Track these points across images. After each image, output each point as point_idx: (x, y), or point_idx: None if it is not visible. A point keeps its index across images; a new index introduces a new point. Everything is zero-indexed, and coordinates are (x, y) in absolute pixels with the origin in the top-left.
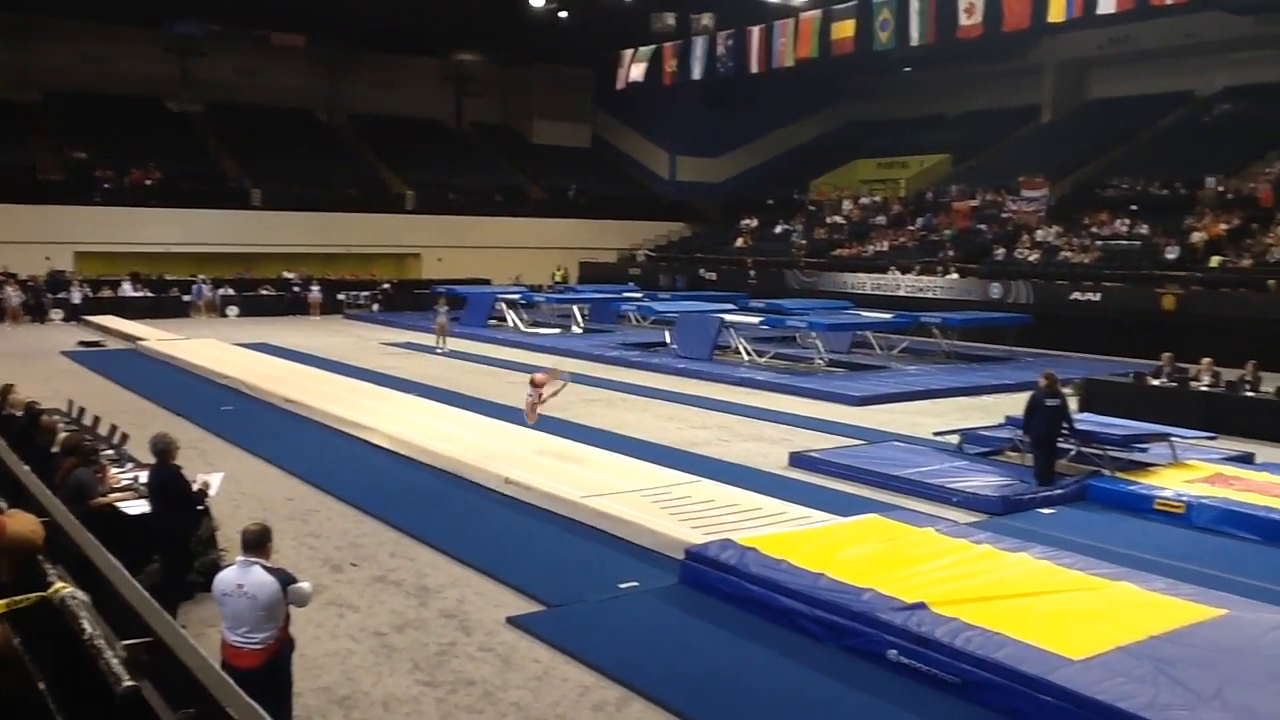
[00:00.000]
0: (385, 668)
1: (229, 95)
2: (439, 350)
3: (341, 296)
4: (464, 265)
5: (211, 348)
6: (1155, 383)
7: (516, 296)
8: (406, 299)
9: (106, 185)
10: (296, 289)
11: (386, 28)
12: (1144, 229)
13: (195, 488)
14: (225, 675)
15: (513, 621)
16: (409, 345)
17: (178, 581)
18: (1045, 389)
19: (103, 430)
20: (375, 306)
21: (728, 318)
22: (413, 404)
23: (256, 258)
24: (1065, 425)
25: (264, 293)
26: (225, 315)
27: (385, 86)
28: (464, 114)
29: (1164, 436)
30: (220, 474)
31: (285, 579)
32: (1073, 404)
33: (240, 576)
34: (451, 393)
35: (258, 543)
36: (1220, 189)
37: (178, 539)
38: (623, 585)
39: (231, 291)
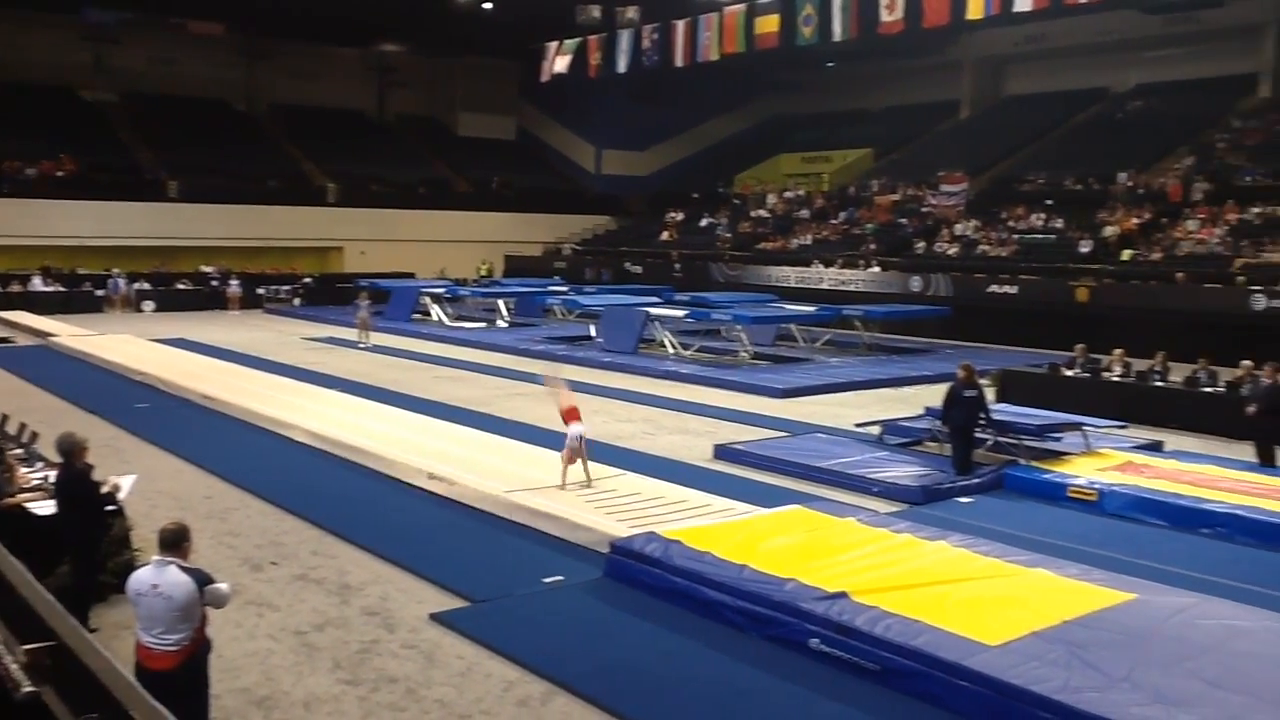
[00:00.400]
0: (306, 667)
1: (145, 84)
2: (361, 345)
3: (262, 291)
4: (388, 259)
5: (126, 344)
6: (1069, 373)
7: (441, 290)
8: (329, 293)
9: (16, 177)
10: (215, 283)
11: (307, 16)
12: (1059, 223)
13: (105, 489)
14: (133, 679)
15: (436, 618)
16: (331, 340)
17: (88, 583)
18: (963, 380)
19: (11, 429)
20: (296, 301)
21: (653, 311)
22: (335, 399)
23: (173, 251)
24: (983, 416)
25: (181, 287)
26: (141, 310)
27: (306, 77)
28: (387, 105)
29: (1077, 426)
30: (132, 476)
31: (202, 579)
32: (990, 395)
33: (155, 576)
34: (374, 388)
35: (174, 542)
36: (1131, 184)
37: (86, 541)
38: (547, 580)
39: (148, 286)
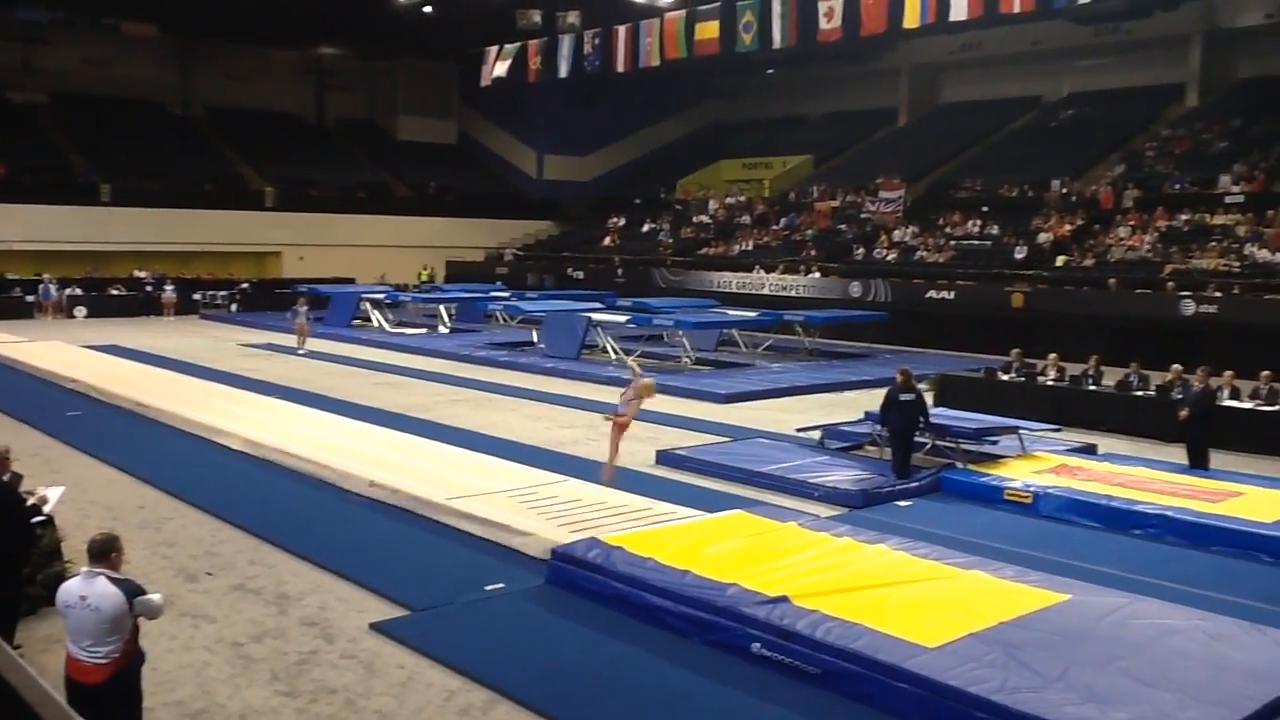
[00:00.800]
0: (243, 679)
1: (76, 85)
2: (299, 351)
3: (197, 296)
4: (327, 264)
5: (57, 350)
6: (1005, 378)
7: (381, 296)
8: (266, 299)
9: None
10: (149, 288)
11: (243, 18)
12: (994, 229)
13: (32, 501)
14: (61, 693)
15: (376, 627)
16: (269, 346)
17: (14, 597)
18: (901, 384)
19: None
20: (233, 307)
21: (595, 317)
22: (272, 406)
23: (106, 256)
24: (922, 419)
25: (114, 292)
26: (73, 316)
27: (242, 79)
28: (326, 109)
29: (1013, 429)
30: (61, 487)
31: (131, 590)
32: (929, 399)
33: (83, 588)
34: (313, 394)
35: (101, 552)
36: (1065, 191)
37: (11, 554)
38: (489, 587)
39: (79, 291)
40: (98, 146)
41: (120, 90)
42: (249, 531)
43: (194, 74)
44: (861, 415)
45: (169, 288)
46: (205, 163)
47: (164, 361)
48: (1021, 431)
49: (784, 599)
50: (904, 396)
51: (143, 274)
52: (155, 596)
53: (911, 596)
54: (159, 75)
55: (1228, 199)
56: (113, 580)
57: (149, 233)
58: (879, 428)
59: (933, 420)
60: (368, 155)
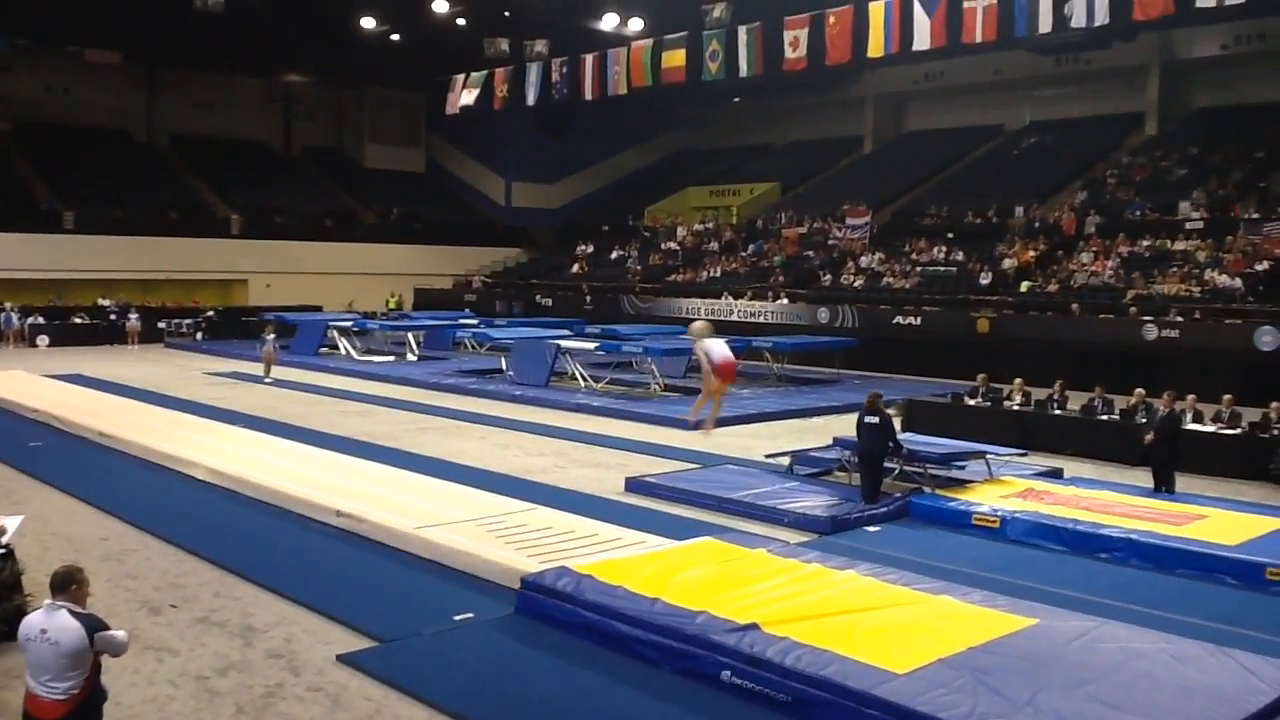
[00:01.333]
0: (207, 713)
1: (39, 112)
2: (266, 379)
3: (163, 325)
4: (294, 292)
5: (19, 380)
6: (971, 402)
7: (349, 324)
8: (233, 327)
9: None
10: (113, 317)
11: (208, 46)
12: (959, 255)
13: None
14: None
15: (343, 659)
16: (235, 375)
17: None
18: (867, 408)
19: None
20: (199, 335)
21: (564, 344)
22: (238, 436)
23: (69, 284)
24: (891, 443)
25: (78, 321)
26: (35, 345)
27: (208, 107)
28: (293, 136)
29: (980, 454)
30: (19, 517)
31: (93, 625)
32: (896, 424)
33: (44, 621)
34: (280, 423)
35: (62, 585)
36: (1028, 218)
37: None
38: (458, 617)
39: (42, 320)
40: (60, 174)
41: (83, 118)
42: (214, 563)
43: (158, 101)
44: (830, 441)
45: (133, 316)
46: (170, 190)
47: (128, 391)
48: (988, 456)
49: (754, 626)
50: (869, 419)
51: (106, 302)
52: (119, 633)
53: (881, 622)
54: (123, 102)
55: (1188, 225)
56: (74, 614)
57: (112, 260)
58: (847, 453)
59: (901, 444)
60: (335, 183)
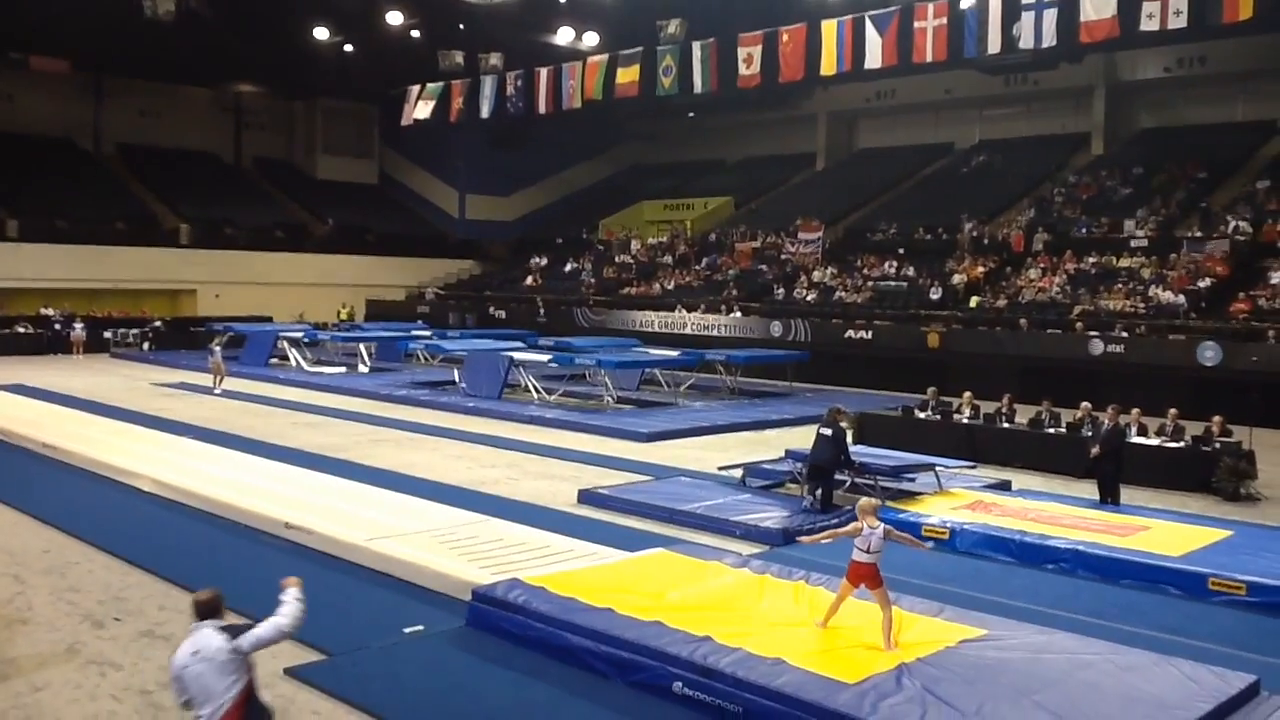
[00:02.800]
0: None
1: None
2: (215, 391)
3: (108, 334)
4: (244, 302)
5: None
6: (921, 416)
7: (300, 334)
8: (181, 337)
9: None
10: (58, 326)
11: (156, 55)
12: (910, 271)
13: None
14: None
15: (290, 672)
16: (183, 385)
17: None
18: (825, 420)
19: None
20: (146, 345)
21: (517, 356)
22: (185, 447)
23: (11, 293)
24: (842, 456)
25: (20, 330)
26: None
27: (156, 116)
28: (243, 147)
29: (930, 466)
30: None
31: (234, 630)
32: (849, 436)
33: (191, 645)
34: (228, 435)
35: (210, 611)
36: (976, 234)
37: None
38: (408, 630)
39: None
40: (5, 182)
41: (29, 126)
42: (159, 576)
43: (106, 110)
44: (783, 453)
45: (78, 326)
46: (117, 200)
47: (72, 401)
48: (938, 468)
49: (706, 638)
50: (823, 431)
51: (50, 311)
52: (263, 627)
53: (831, 633)
54: (70, 111)
55: (1132, 243)
56: (217, 628)
57: (57, 269)
58: (799, 465)
59: (852, 458)
60: (286, 194)
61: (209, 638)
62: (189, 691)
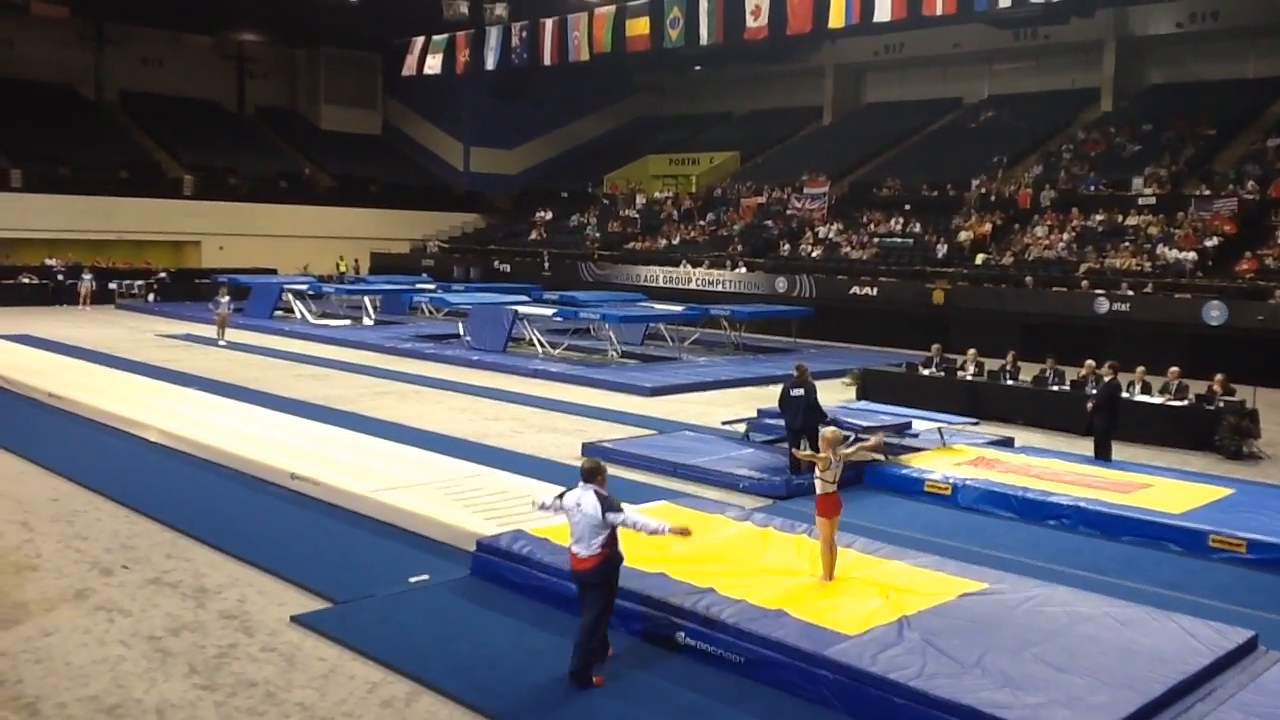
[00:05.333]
0: (159, 673)
1: None
2: (220, 342)
3: (114, 286)
4: (248, 254)
5: None
6: (925, 372)
7: (304, 287)
8: (185, 289)
9: None
10: (61, 277)
11: (157, 1)
12: (916, 227)
13: None
14: None
15: (297, 620)
16: (188, 337)
17: None
18: (795, 380)
19: None
20: (151, 296)
21: (522, 310)
22: (191, 398)
23: (16, 244)
24: (819, 414)
25: (25, 281)
26: None
27: (158, 63)
28: (246, 96)
29: (907, 424)
30: None
31: (606, 505)
32: (850, 393)
33: (579, 497)
34: (233, 386)
35: (590, 475)
36: (984, 191)
37: None
38: (413, 579)
39: None
40: (7, 131)
41: (30, 73)
42: (166, 524)
43: (107, 57)
44: (755, 413)
45: (86, 277)
46: (119, 149)
47: (78, 352)
48: (942, 425)
49: (709, 589)
50: (794, 392)
51: (54, 262)
52: (621, 514)
53: (833, 586)
54: (71, 58)
55: (1140, 200)
56: (597, 495)
57: (61, 220)
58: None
59: (824, 413)
60: (290, 144)
61: (590, 498)
62: (570, 526)
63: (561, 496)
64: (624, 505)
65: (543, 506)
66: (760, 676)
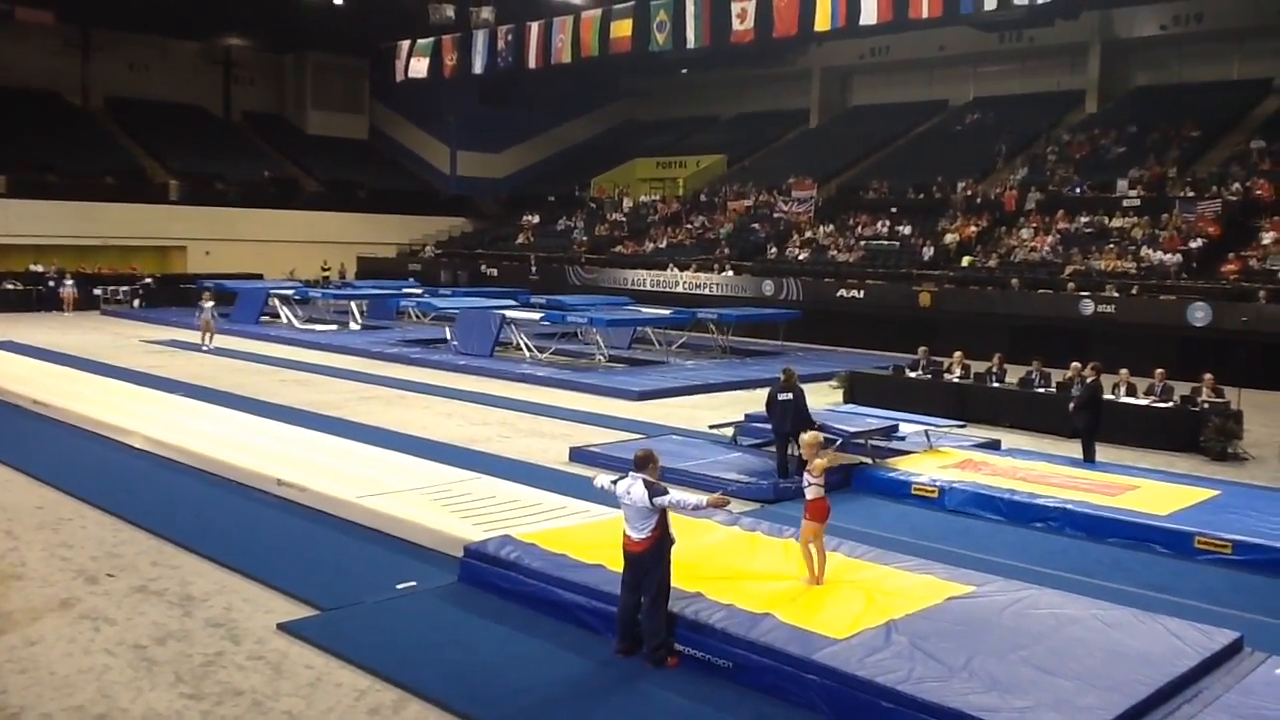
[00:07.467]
0: (145, 682)
1: None
2: (205, 348)
3: (98, 291)
4: (234, 259)
5: None
6: (912, 375)
7: (290, 292)
8: (171, 294)
9: None
10: (51, 283)
11: (144, 6)
12: (903, 230)
13: None
14: None
15: (284, 628)
16: (173, 343)
17: None
18: (782, 384)
19: None
20: (136, 302)
21: (509, 314)
22: (176, 404)
23: (2, 249)
24: (807, 419)
25: (9, 287)
26: None
27: (144, 69)
28: (233, 101)
29: (894, 427)
30: None
31: (654, 491)
32: (837, 396)
33: (629, 486)
34: (219, 392)
35: (641, 464)
36: (969, 193)
37: None
38: (400, 586)
39: None
40: None
41: (15, 79)
42: (152, 532)
43: (94, 63)
44: (743, 417)
45: (69, 283)
46: (105, 155)
47: (63, 358)
48: (929, 428)
49: (697, 594)
50: (783, 396)
51: (39, 268)
52: (667, 497)
53: (821, 589)
54: (57, 64)
55: (1125, 202)
56: (645, 483)
57: (46, 226)
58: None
59: (811, 419)
60: (276, 149)
61: (639, 487)
62: (622, 506)
63: (616, 482)
64: (670, 488)
65: (602, 488)
66: (747, 681)
